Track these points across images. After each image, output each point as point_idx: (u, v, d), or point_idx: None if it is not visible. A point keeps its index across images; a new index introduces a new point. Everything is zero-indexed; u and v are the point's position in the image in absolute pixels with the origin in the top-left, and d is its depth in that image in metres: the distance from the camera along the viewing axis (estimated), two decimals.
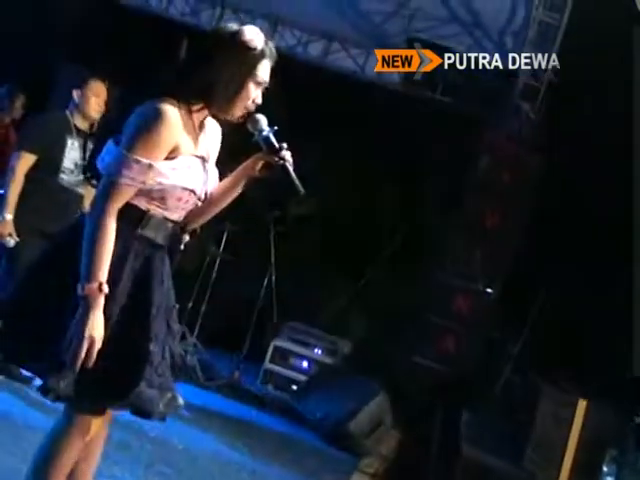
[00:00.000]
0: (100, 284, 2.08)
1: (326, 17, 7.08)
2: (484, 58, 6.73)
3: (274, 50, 2.26)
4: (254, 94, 2.25)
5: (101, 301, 2.08)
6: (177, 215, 2.28)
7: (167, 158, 2.16)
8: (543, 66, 6.20)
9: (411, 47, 7.04)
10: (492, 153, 6.55)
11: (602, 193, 6.12)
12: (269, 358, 6.19)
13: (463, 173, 6.99)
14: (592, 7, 5.26)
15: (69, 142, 4.39)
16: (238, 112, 2.26)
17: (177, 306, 2.39)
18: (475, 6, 6.18)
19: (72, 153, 4.39)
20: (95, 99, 4.46)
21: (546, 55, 5.98)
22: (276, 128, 2.26)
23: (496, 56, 6.64)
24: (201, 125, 2.29)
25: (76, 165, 4.43)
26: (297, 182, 2.27)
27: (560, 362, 5.95)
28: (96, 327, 2.08)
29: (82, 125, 4.48)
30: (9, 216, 4.22)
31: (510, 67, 6.65)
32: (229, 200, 2.37)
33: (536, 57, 6.12)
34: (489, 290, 6.74)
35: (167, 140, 2.13)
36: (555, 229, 7.14)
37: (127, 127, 2.16)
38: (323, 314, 7.71)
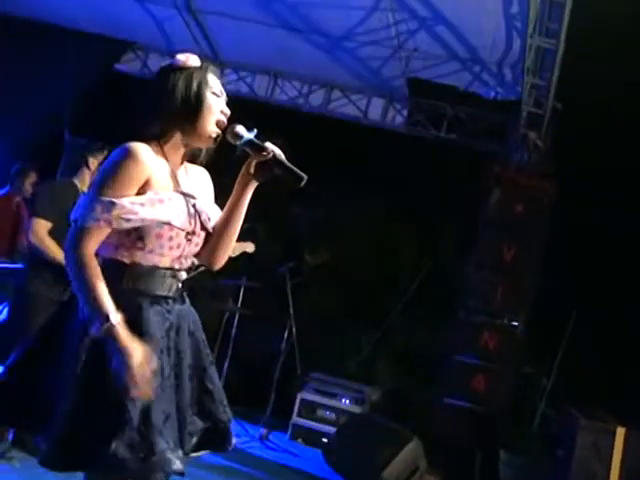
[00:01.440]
0: (108, 316, 2.02)
1: (324, 67, 7.15)
2: (485, 92, 6.81)
3: (212, 65, 2.31)
4: (217, 104, 2.26)
5: (121, 329, 2.02)
6: (170, 259, 2.20)
7: (137, 195, 2.13)
8: (544, 93, 6.19)
9: (410, 87, 7.13)
10: (503, 186, 6.50)
11: (618, 213, 6.05)
12: (296, 412, 6.09)
13: (476, 209, 6.95)
14: (589, 28, 5.27)
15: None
16: (211, 127, 2.24)
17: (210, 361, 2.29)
18: (471, 42, 6.21)
19: None
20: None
21: (546, 82, 5.96)
22: (256, 130, 2.23)
23: (497, 89, 6.69)
24: (180, 165, 2.27)
25: None
26: (295, 169, 2.21)
27: (594, 390, 5.81)
28: (134, 352, 2.01)
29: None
30: None
31: (512, 98, 6.69)
32: (240, 217, 2.31)
33: (536, 85, 6.13)
34: (515, 323, 6.63)
35: (134, 176, 2.11)
36: (577, 255, 7.08)
37: (99, 172, 2.18)
38: (347, 362, 7.63)
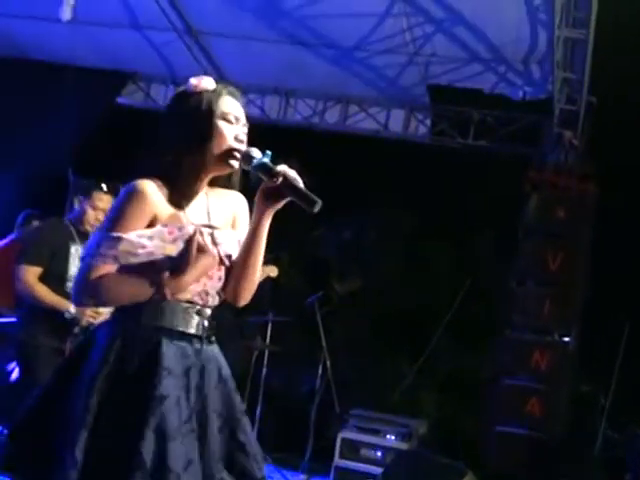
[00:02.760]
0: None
1: (338, 81, 7.12)
2: (513, 93, 6.73)
3: (231, 87, 2.29)
4: (230, 131, 2.22)
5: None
6: (190, 294, 2.19)
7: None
8: (577, 88, 6.10)
9: (431, 95, 7.07)
10: (541, 190, 6.41)
11: None
12: (338, 453, 5.96)
13: (514, 218, 6.85)
14: (621, 13, 5.18)
15: (72, 249, 4.39)
16: (226, 156, 2.21)
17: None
18: (493, 41, 6.13)
19: (77, 260, 4.36)
20: (94, 213, 4.46)
21: (578, 75, 5.87)
22: (269, 152, 2.20)
23: (525, 88, 6.61)
24: (196, 194, 2.25)
25: None
26: (308, 193, 2.16)
27: None
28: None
29: (85, 231, 4.48)
30: (72, 307, 4.19)
31: (542, 97, 6.60)
32: (259, 248, 2.26)
33: (568, 79, 6.04)
34: (566, 339, 6.49)
35: (141, 212, 2.13)
36: (626, 261, 6.93)
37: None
38: (389, 395, 7.52)
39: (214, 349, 2.26)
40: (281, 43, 6.73)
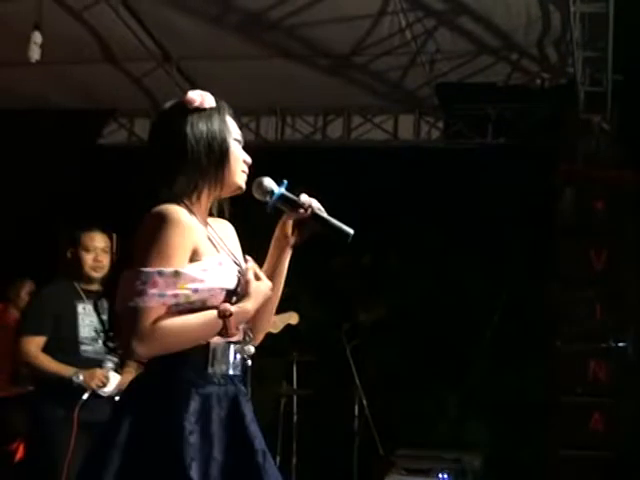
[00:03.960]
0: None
1: (337, 92, 7.17)
2: (530, 82, 6.74)
3: (228, 106, 2.30)
4: (241, 152, 2.26)
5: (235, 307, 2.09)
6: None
7: (191, 262, 2.10)
8: (601, 67, 6.11)
9: (441, 95, 7.09)
10: (574, 183, 6.40)
11: None
12: None
13: (548, 217, 6.83)
14: None
15: (80, 308, 4.39)
16: (238, 178, 2.25)
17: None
18: (502, 28, 6.15)
19: (87, 319, 4.38)
20: (89, 255, 4.47)
21: (601, 53, 5.88)
22: (286, 182, 2.21)
23: (543, 75, 6.62)
24: (205, 224, 2.25)
25: (97, 331, 4.39)
26: (339, 224, 2.19)
27: None
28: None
29: (90, 287, 4.50)
30: (77, 377, 4.19)
31: (563, 82, 6.61)
32: (279, 287, 2.31)
33: (590, 59, 6.04)
34: (623, 344, 6.44)
35: (183, 242, 2.06)
36: None
37: (135, 244, 2.11)
38: (434, 429, 7.47)
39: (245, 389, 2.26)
40: (270, 58, 6.77)
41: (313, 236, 2.24)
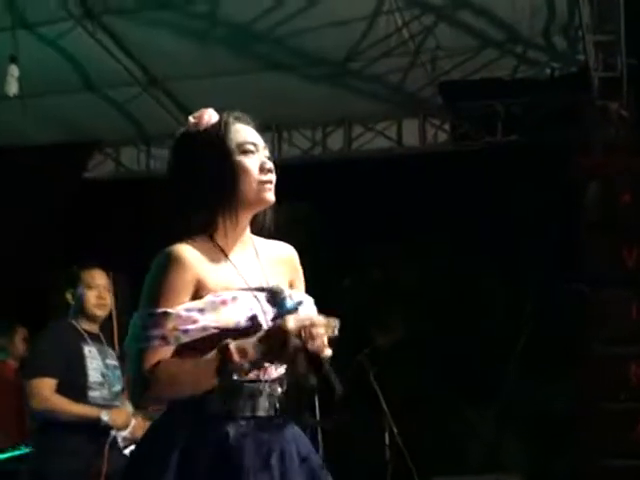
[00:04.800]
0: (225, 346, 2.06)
1: (335, 101, 7.20)
2: (538, 73, 6.76)
3: (236, 112, 2.32)
4: (254, 164, 2.25)
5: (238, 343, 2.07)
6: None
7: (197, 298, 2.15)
8: (614, 51, 6.12)
9: (445, 94, 7.11)
10: (597, 176, 6.40)
11: None
12: None
13: (571, 215, 6.83)
14: None
15: (86, 351, 4.40)
16: (256, 193, 2.25)
17: None
18: (504, 19, 6.18)
19: (94, 363, 4.41)
20: (93, 292, 4.49)
21: (613, 36, 5.90)
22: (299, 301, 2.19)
23: (552, 64, 6.64)
24: (241, 245, 2.29)
25: (104, 376, 4.41)
26: (333, 380, 2.11)
27: None
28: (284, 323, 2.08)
29: (92, 328, 4.54)
30: (105, 415, 4.20)
31: (574, 70, 6.63)
32: None
33: (601, 43, 6.06)
34: None
35: (182, 281, 2.12)
36: None
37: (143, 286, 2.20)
38: (470, 453, 7.44)
39: (290, 425, 2.27)
40: (261, 72, 6.83)
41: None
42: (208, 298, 2.14)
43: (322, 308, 2.37)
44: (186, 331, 2.08)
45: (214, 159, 2.22)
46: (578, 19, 5.69)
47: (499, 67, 6.76)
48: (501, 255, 8.30)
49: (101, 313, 4.55)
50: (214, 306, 2.12)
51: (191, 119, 2.29)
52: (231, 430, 2.13)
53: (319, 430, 6.09)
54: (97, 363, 4.42)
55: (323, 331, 2.09)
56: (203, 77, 6.86)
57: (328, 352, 2.10)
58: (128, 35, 6.39)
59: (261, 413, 2.18)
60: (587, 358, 6.62)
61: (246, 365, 2.07)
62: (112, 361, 4.53)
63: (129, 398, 2.22)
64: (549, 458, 7.34)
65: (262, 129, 7.54)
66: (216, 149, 2.24)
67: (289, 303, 2.15)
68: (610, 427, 6.38)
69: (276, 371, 2.23)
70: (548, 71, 6.70)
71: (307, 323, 2.07)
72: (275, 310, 2.17)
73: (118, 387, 4.51)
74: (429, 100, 7.21)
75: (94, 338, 4.51)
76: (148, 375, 2.07)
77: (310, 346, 2.06)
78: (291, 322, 2.07)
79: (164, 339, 2.08)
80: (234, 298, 2.16)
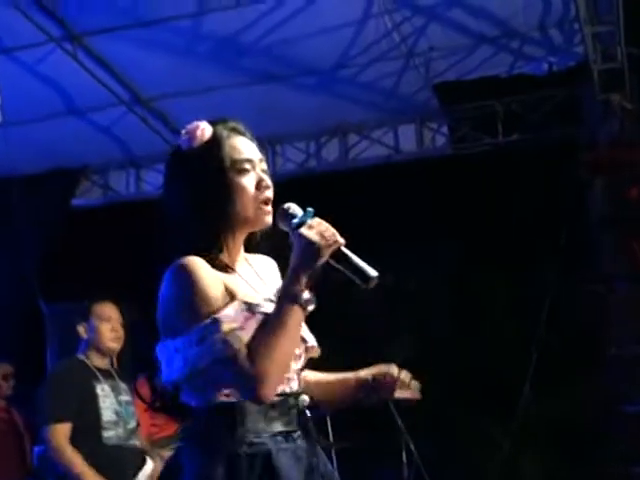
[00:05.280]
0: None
1: (328, 111, 7.21)
2: (536, 68, 6.78)
3: (232, 122, 2.31)
4: (250, 181, 2.24)
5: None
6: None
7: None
8: (613, 41, 6.14)
9: (441, 96, 7.12)
10: (602, 172, 6.41)
11: None
12: None
13: (578, 215, 6.83)
14: None
15: (98, 389, 4.41)
16: (252, 211, 2.24)
17: None
18: (498, 15, 6.19)
19: (107, 401, 4.43)
20: (107, 325, 4.52)
21: (612, 26, 5.92)
22: (311, 210, 2.21)
23: (550, 59, 6.66)
24: (240, 263, 2.30)
25: (117, 414, 4.42)
26: (363, 265, 2.16)
27: None
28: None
29: (103, 364, 4.59)
30: None
31: (572, 63, 6.65)
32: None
33: (599, 34, 6.08)
34: None
35: (213, 284, 2.10)
36: None
37: (163, 311, 2.14)
38: (487, 469, 7.42)
39: (313, 440, 2.27)
40: (250, 85, 6.84)
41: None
42: (242, 301, 2.14)
43: (329, 323, 2.39)
44: (242, 328, 2.07)
45: (209, 179, 2.22)
46: (574, 10, 5.70)
47: (495, 64, 6.76)
48: (511, 261, 8.30)
49: (116, 346, 4.59)
50: (252, 310, 2.13)
51: (184, 135, 2.27)
52: (272, 447, 2.13)
53: (333, 452, 6.07)
54: (110, 401, 4.45)
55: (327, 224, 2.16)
56: (190, 94, 6.85)
57: (342, 240, 2.15)
58: (110, 55, 6.41)
59: (292, 427, 2.18)
60: (605, 362, 6.61)
61: (306, 295, 2.11)
62: (125, 397, 4.55)
63: (259, 398, 2.09)
64: (571, 474, 7.33)
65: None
66: (211, 169, 2.22)
67: (300, 216, 2.19)
68: (634, 432, 6.37)
69: (299, 385, 2.25)
70: (546, 66, 6.71)
71: (322, 227, 2.13)
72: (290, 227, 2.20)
73: (133, 424, 4.52)
74: (425, 104, 7.22)
75: (106, 375, 4.53)
76: (249, 361, 2.03)
77: (334, 244, 2.12)
78: (310, 232, 2.11)
79: (225, 343, 2.04)
80: (260, 304, 2.17)
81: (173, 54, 6.42)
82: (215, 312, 2.07)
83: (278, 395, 2.16)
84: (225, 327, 2.05)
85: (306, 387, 2.32)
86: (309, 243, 2.10)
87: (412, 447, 6.02)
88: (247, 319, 2.09)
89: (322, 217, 2.27)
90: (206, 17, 6.06)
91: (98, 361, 4.56)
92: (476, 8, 6.13)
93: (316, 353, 2.34)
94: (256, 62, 6.57)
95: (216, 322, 2.05)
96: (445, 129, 7.43)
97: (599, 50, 6.28)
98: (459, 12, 6.18)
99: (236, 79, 6.72)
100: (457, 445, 7.46)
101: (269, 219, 2.27)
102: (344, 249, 2.16)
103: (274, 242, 2.36)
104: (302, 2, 5.91)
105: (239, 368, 2.02)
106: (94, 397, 4.39)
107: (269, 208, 2.26)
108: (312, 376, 2.44)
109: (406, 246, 8.06)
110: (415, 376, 7.62)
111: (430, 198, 8.02)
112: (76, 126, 7.11)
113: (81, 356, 4.56)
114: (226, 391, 2.12)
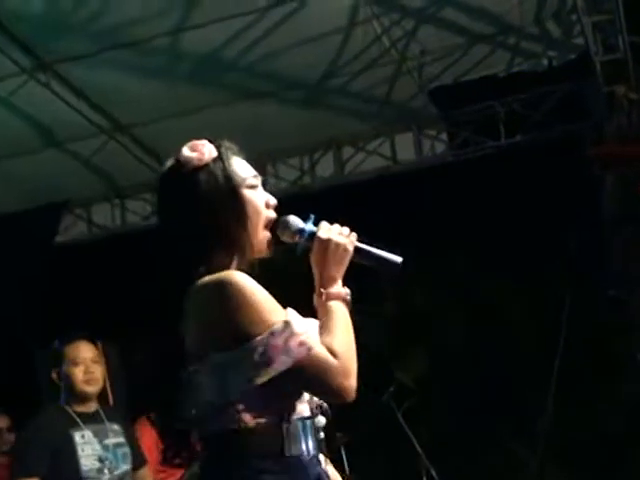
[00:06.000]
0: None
1: (319, 124, 7.23)
2: (535, 65, 6.79)
3: (228, 143, 2.35)
4: (259, 199, 2.29)
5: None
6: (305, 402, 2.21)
7: None
8: (614, 30, 6.16)
9: (437, 101, 7.14)
10: (613, 167, 6.41)
11: None
12: None
13: (591, 215, 6.84)
14: None
15: (77, 437, 4.38)
16: (263, 230, 2.29)
17: None
18: (492, 10, 6.20)
19: (87, 448, 4.38)
20: (79, 368, 4.48)
21: (611, 14, 5.94)
22: (313, 216, 2.29)
23: (549, 53, 6.68)
24: None
25: (101, 459, 4.39)
26: (383, 253, 2.31)
27: None
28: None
29: (86, 408, 4.54)
30: None
31: (572, 56, 6.67)
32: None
33: (599, 24, 6.10)
34: None
35: (264, 291, 2.13)
36: None
37: (212, 330, 2.12)
38: None
39: (330, 467, 2.31)
40: (234, 103, 6.86)
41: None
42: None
43: None
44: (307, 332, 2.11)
45: (224, 195, 2.23)
46: (571, 1, 5.72)
47: (492, 64, 6.79)
48: (523, 269, 8.30)
49: (91, 389, 4.52)
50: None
51: (186, 153, 2.28)
52: (313, 472, 2.17)
53: None
54: (91, 448, 4.39)
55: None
56: (172, 117, 6.88)
57: (355, 235, 2.31)
58: (86, 82, 6.40)
59: (315, 451, 2.19)
60: (631, 368, 6.61)
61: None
62: (114, 439, 4.50)
63: (347, 393, 2.10)
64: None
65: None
66: (224, 184, 2.24)
67: (308, 225, 2.30)
68: None
69: (317, 407, 2.24)
70: (546, 61, 6.73)
71: (336, 227, 2.29)
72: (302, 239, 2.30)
73: (124, 467, 4.48)
74: (421, 110, 7.25)
75: (89, 419, 4.48)
76: (333, 358, 2.08)
77: (353, 240, 2.29)
78: (330, 233, 2.27)
79: (302, 345, 2.07)
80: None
81: (151, 76, 6.43)
82: (283, 317, 2.10)
83: (308, 417, 2.18)
84: (299, 329, 2.08)
85: None
86: (335, 245, 2.23)
87: (432, 472, 6.01)
88: (310, 322, 2.16)
89: None
90: (184, 35, 6.05)
91: (79, 407, 4.50)
92: (468, 6, 6.15)
93: None
94: (239, 79, 6.58)
95: (289, 325, 2.07)
96: (444, 135, 7.46)
97: (600, 41, 6.30)
98: (450, 11, 6.20)
99: (219, 98, 6.74)
100: (480, 467, 7.44)
101: (271, 245, 2.30)
102: (359, 244, 2.29)
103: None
104: (284, 12, 5.90)
105: (324, 366, 2.06)
106: (71, 446, 4.34)
107: (269, 234, 2.30)
108: None
109: (412, 260, 8.06)
110: (431, 395, 7.64)
111: (433, 208, 8.01)
112: (55, 159, 7.14)
113: (62, 403, 4.51)
114: (270, 410, 2.13)
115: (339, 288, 2.24)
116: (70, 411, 4.46)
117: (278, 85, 6.72)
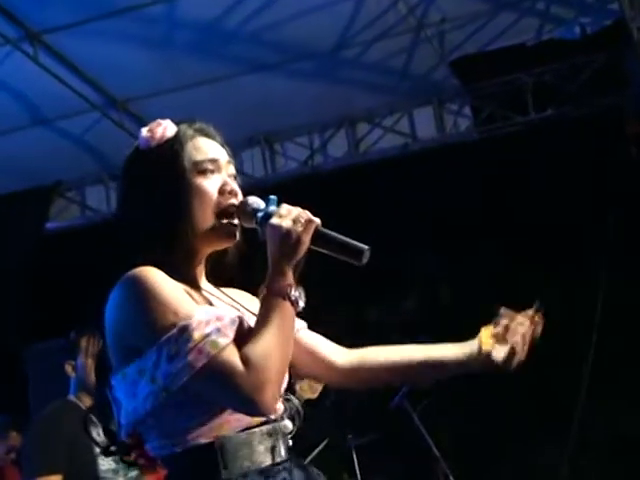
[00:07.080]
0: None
1: (332, 99, 7.22)
2: (567, 33, 6.76)
3: (199, 124, 2.32)
4: (212, 185, 2.25)
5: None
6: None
7: None
8: None
9: (460, 73, 7.12)
10: None
11: None
12: None
13: (629, 199, 6.82)
14: None
15: (94, 433, 4.38)
16: (213, 220, 2.23)
17: None
18: None
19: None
20: (91, 361, 4.52)
21: None
22: (274, 197, 2.23)
23: (581, 20, 6.64)
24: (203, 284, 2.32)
25: (117, 461, 4.41)
26: (348, 240, 2.18)
27: None
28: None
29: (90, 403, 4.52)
30: None
31: (607, 23, 6.63)
32: None
33: None
34: None
35: (173, 287, 2.09)
36: None
37: (116, 334, 2.12)
38: None
39: (313, 470, 2.30)
40: (238, 76, 6.86)
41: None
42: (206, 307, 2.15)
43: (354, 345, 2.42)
44: (218, 330, 2.05)
45: (165, 180, 2.22)
46: None
47: (519, 31, 6.77)
48: (555, 258, 8.27)
49: None
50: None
51: (144, 132, 2.28)
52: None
53: None
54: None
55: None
56: (170, 91, 6.89)
57: (318, 220, 2.16)
58: (76, 53, 6.40)
59: (278, 459, 2.18)
60: None
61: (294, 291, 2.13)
62: None
63: (259, 409, 2.06)
64: None
65: (248, 143, 7.46)
66: (168, 168, 2.23)
67: (264, 208, 2.21)
68: None
69: (283, 408, 2.25)
70: (578, 29, 6.69)
71: (293, 213, 2.15)
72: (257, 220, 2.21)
73: (132, 472, 4.51)
74: (442, 83, 7.23)
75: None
76: (243, 368, 2.01)
77: (310, 227, 2.14)
78: (282, 220, 2.13)
79: (200, 352, 2.01)
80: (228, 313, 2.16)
81: (147, 46, 6.42)
82: (183, 319, 2.03)
83: (261, 423, 2.15)
84: (196, 334, 2.02)
85: (370, 373, 2.44)
86: (286, 233, 2.11)
87: (451, 477, 6.01)
88: (223, 323, 2.07)
89: (333, 221, 2.27)
90: (183, 0, 6.06)
91: (89, 401, 4.50)
92: None
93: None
94: (243, 49, 6.57)
95: (186, 329, 2.02)
96: (467, 110, 7.45)
97: (637, 5, 6.27)
98: None
99: (221, 71, 6.74)
100: (510, 471, 7.45)
101: (234, 234, 2.26)
102: (323, 229, 2.17)
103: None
104: None
105: (229, 378, 2.00)
106: (88, 444, 4.38)
107: (235, 221, 2.25)
108: (376, 356, 2.48)
109: (435, 248, 8.06)
110: (449, 394, 7.65)
111: (456, 190, 7.99)
112: (44, 137, 7.14)
113: (72, 397, 4.52)
114: (196, 432, 2.10)
115: (284, 283, 2.11)
116: (82, 407, 4.47)
117: (286, 56, 6.71)
